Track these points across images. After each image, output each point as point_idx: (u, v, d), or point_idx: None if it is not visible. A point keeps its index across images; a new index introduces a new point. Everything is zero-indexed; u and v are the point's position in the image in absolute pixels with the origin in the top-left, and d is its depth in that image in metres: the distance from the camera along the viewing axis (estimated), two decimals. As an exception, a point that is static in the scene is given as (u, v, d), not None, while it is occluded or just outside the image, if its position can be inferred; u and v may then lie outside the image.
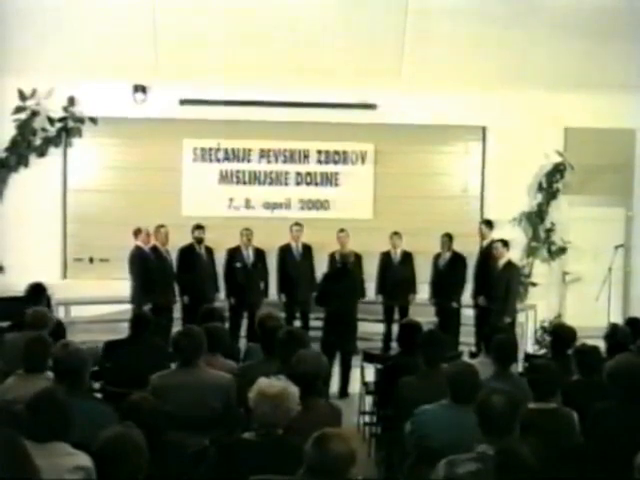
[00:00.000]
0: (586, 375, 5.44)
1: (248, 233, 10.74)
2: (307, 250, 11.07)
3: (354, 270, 9.79)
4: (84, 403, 4.41)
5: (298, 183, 12.29)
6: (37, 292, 7.87)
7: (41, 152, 11.78)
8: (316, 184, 12.29)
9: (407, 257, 10.97)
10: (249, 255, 10.75)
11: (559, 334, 6.56)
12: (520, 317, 10.66)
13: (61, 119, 11.79)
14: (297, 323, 10.50)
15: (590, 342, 5.85)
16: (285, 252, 11.02)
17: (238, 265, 10.64)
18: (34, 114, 11.64)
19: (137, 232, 10.23)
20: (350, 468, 3.35)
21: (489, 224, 10.86)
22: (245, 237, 10.72)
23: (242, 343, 9.20)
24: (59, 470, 3.60)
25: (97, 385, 6.12)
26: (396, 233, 10.94)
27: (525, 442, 3.71)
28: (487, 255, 10.46)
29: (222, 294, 10.72)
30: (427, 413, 4.58)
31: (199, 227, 10.60)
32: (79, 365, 4.69)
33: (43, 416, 3.76)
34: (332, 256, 10.61)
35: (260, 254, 10.84)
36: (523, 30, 11.21)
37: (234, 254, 10.74)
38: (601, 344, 6.42)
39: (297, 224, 11.08)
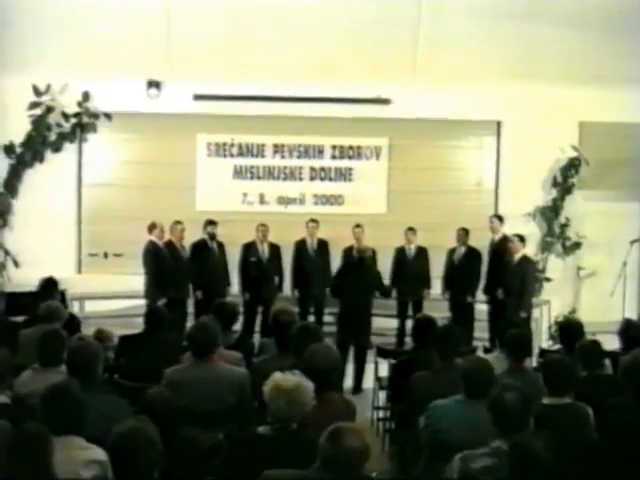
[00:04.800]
0: (591, 370, 5.43)
1: (264, 229, 10.72)
2: (323, 246, 11.03)
3: (371, 264, 9.78)
4: (98, 397, 4.44)
5: (312, 178, 12.27)
6: (49, 286, 7.92)
7: (56, 148, 11.80)
8: (330, 179, 12.26)
9: (422, 252, 10.93)
10: (264, 250, 10.73)
11: (566, 329, 6.58)
12: (534, 312, 10.61)
13: (76, 115, 11.80)
14: (311, 318, 10.48)
15: (605, 337, 5.83)
16: (300, 247, 11.01)
17: (253, 259, 10.64)
18: (49, 110, 11.65)
19: (152, 227, 10.24)
20: (364, 463, 3.36)
21: (500, 218, 10.85)
22: (261, 233, 10.70)
23: (256, 338, 9.20)
24: (73, 463, 3.63)
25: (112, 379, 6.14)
26: (411, 229, 10.91)
27: (539, 437, 3.70)
28: (498, 249, 10.47)
29: (235, 288, 10.72)
30: (441, 408, 4.57)
31: (211, 222, 10.58)
32: (89, 359, 4.70)
33: (57, 409, 3.79)
34: (347, 251, 10.53)
35: (275, 249, 10.82)
36: (537, 24, 11.13)
37: (249, 249, 10.74)
38: (615, 339, 6.41)
39: (313, 220, 11.05)
